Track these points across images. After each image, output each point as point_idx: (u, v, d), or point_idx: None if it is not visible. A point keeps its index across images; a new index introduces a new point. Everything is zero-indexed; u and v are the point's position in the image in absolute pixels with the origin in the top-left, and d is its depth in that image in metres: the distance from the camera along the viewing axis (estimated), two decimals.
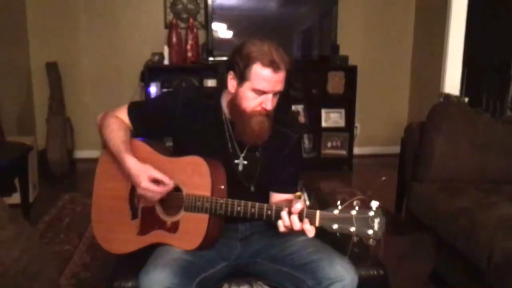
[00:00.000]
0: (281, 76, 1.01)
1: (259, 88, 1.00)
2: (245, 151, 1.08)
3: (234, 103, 1.04)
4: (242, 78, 1.01)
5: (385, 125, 3.43)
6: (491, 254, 1.31)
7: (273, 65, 0.98)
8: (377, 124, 3.44)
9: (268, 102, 1.01)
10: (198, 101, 1.09)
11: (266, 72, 0.99)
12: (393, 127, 3.30)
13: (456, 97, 2.30)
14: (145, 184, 0.99)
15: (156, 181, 1.00)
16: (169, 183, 1.00)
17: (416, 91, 3.39)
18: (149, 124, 1.11)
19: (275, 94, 1.03)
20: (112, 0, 3.09)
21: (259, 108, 1.01)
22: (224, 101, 1.08)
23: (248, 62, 1.00)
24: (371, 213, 0.89)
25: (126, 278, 1.04)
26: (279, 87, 1.02)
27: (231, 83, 1.04)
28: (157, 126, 1.11)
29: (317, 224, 0.92)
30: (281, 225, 0.95)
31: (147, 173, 0.99)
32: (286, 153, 1.11)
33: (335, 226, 0.90)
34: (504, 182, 1.75)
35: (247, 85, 1.01)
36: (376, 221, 0.88)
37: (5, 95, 2.58)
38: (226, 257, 1.06)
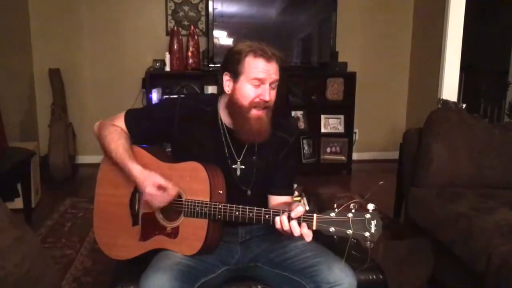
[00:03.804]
0: (274, 66, 1.02)
1: (255, 76, 1.01)
2: (242, 156, 1.10)
3: (232, 102, 1.05)
4: (236, 74, 1.03)
5: (384, 131, 3.45)
6: (489, 259, 1.32)
7: (265, 55, 1.01)
8: (375, 130, 3.46)
9: (266, 93, 1.01)
10: (195, 108, 1.10)
11: (259, 61, 1.01)
12: (391, 133, 3.33)
13: (454, 103, 2.31)
14: (150, 189, 1.00)
15: (161, 188, 1.01)
16: (173, 190, 1.01)
17: (414, 97, 3.41)
18: (147, 132, 1.12)
19: (272, 85, 1.03)
20: (115, 7, 3.14)
21: (257, 100, 1.02)
22: (221, 107, 1.10)
23: (240, 57, 1.02)
24: (368, 216, 0.89)
25: (127, 283, 1.05)
26: (275, 76, 1.03)
27: (227, 84, 1.06)
28: (155, 133, 1.12)
29: (314, 227, 0.93)
30: (280, 229, 0.95)
31: (152, 180, 1.01)
32: (282, 157, 1.13)
33: (332, 229, 0.91)
34: (501, 187, 1.76)
35: (242, 79, 1.02)
36: (373, 223, 0.89)
37: (9, 101, 2.60)
38: (226, 262, 1.07)
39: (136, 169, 1.03)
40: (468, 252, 1.42)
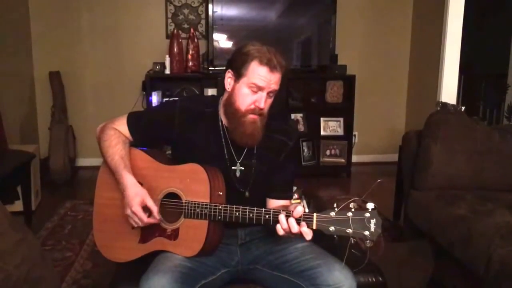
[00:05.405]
0: (276, 77, 1.04)
1: (255, 82, 1.02)
2: (241, 158, 1.10)
3: (229, 101, 1.06)
4: (239, 74, 1.04)
5: (383, 133, 3.46)
6: (488, 262, 1.31)
7: (270, 64, 1.02)
8: (375, 132, 3.47)
9: (261, 100, 1.03)
10: (195, 110, 1.11)
11: (263, 70, 1.02)
12: (391, 135, 3.33)
13: (453, 105, 2.32)
14: (135, 208, 1.01)
15: (146, 208, 1.02)
16: (157, 217, 1.02)
17: (414, 99, 3.42)
18: (148, 134, 1.13)
19: (269, 94, 1.05)
20: (115, 10, 3.15)
21: (252, 107, 1.04)
22: (221, 109, 1.11)
23: (246, 59, 1.03)
24: (367, 215, 0.90)
25: (127, 285, 1.05)
26: (274, 86, 1.04)
27: (229, 81, 1.07)
28: (156, 136, 1.13)
29: (314, 227, 0.93)
30: (279, 229, 0.95)
31: (141, 198, 1.02)
32: (281, 160, 1.13)
33: (332, 229, 0.91)
34: (501, 190, 1.75)
35: (243, 81, 1.04)
36: (372, 222, 0.89)
37: (9, 103, 2.61)
38: (226, 264, 1.07)
39: (128, 180, 1.03)
40: (467, 255, 1.42)
